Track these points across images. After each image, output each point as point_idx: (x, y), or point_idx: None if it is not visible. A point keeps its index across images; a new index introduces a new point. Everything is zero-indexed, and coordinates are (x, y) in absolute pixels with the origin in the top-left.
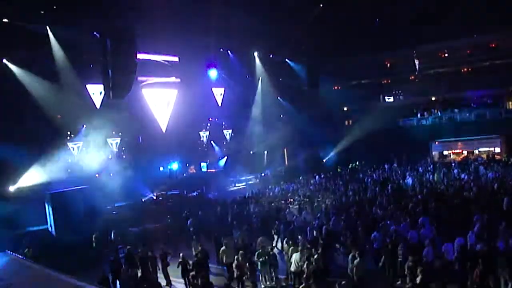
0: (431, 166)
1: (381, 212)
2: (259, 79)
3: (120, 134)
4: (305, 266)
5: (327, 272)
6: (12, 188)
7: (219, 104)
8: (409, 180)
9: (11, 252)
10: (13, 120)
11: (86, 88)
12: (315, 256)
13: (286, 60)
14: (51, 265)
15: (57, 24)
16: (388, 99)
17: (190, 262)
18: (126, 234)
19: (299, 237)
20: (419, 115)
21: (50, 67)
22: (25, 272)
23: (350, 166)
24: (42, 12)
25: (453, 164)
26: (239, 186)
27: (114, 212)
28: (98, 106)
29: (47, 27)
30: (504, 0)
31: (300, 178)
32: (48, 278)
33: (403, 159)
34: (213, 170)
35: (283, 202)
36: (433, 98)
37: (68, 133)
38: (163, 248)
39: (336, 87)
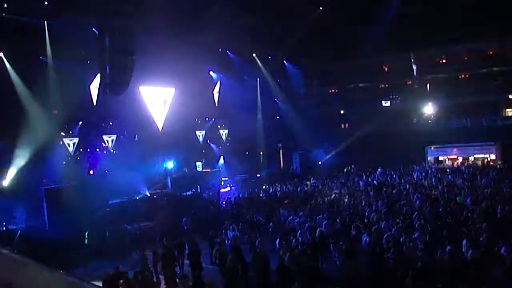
0: (428, 171)
1: (375, 216)
2: (257, 80)
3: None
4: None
5: (318, 274)
6: (5, 183)
7: (216, 104)
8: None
9: (4, 247)
10: (8, 114)
11: (83, 84)
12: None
13: (284, 62)
14: (43, 260)
15: (55, 19)
16: (385, 103)
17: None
18: (120, 231)
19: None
20: (415, 120)
21: (45, 61)
22: (17, 268)
23: (345, 170)
24: (39, 6)
25: (448, 170)
26: (233, 186)
27: (108, 209)
28: (94, 102)
29: (45, 22)
30: (502, 9)
31: (296, 179)
32: (40, 274)
33: (399, 164)
34: (208, 170)
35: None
36: (430, 103)
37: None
38: (154, 246)
39: (333, 90)
